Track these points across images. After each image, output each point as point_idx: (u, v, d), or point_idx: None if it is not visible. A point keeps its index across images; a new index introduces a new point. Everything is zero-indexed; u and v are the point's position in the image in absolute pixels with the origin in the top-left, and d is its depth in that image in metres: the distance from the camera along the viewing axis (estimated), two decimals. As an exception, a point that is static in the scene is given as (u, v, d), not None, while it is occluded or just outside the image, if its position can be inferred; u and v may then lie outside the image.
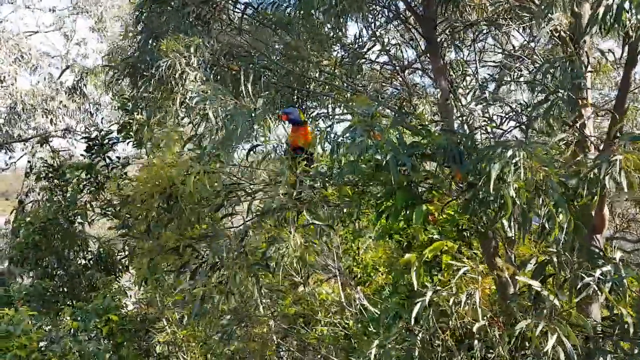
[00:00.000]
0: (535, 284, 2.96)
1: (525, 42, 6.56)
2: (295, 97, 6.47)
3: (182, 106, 4.13)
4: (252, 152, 3.94)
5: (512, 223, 3.30)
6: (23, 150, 16.36)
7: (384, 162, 3.10)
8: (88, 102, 16.36)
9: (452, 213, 3.50)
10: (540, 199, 2.91)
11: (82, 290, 8.52)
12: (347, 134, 3.11)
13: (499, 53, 7.29)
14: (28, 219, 7.71)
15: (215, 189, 3.27)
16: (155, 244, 3.32)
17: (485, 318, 2.78)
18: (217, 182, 3.25)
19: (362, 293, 7.37)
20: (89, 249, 8.60)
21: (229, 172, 3.47)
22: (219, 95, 3.98)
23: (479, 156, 3.45)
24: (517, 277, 3.10)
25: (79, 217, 7.86)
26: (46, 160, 8.20)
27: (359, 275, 7.82)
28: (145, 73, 4.11)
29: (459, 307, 2.76)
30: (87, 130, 13.77)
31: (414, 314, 2.77)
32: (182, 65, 3.92)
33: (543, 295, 2.89)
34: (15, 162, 17.01)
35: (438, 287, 2.84)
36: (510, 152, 2.94)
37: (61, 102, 15.86)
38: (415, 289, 2.84)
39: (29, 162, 15.04)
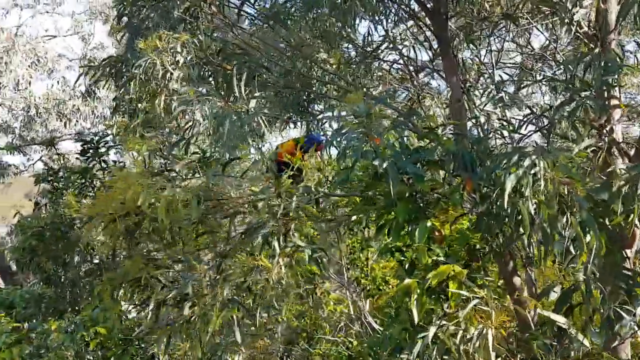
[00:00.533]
0: (560, 320, 2.50)
1: (547, 41, 6.10)
2: (298, 98, 6.10)
3: (167, 108, 3.77)
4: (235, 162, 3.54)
5: (532, 242, 2.87)
6: (39, 152, 16.39)
7: (383, 169, 2.68)
8: (102, 106, 16.28)
9: (463, 230, 3.06)
10: (565, 216, 2.47)
11: (81, 297, 8.27)
12: (340, 138, 2.70)
13: (518, 54, 6.83)
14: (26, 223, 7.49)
15: (188, 216, 2.88)
16: (119, 272, 2.96)
17: (499, 359, 2.35)
18: (193, 207, 2.84)
19: (370, 307, 6.94)
20: (95, 254, 8.35)
21: (208, 189, 3.07)
22: (205, 97, 3.61)
23: (493, 164, 3.02)
24: (538, 310, 2.65)
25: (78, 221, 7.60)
26: (46, 163, 7.98)
27: (368, 288, 7.39)
28: (127, 73, 3.77)
29: (468, 345, 2.33)
30: (96, 133, 13.63)
31: (415, 353, 2.36)
32: (166, 65, 3.56)
33: (570, 333, 2.44)
34: (33, 164, 17.06)
35: (444, 322, 2.42)
36: (528, 161, 2.50)
37: (74, 105, 15.81)
38: (416, 322, 2.43)
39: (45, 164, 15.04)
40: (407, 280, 2.47)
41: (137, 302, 2.91)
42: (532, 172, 2.52)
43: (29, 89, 15.25)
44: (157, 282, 2.88)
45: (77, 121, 15.89)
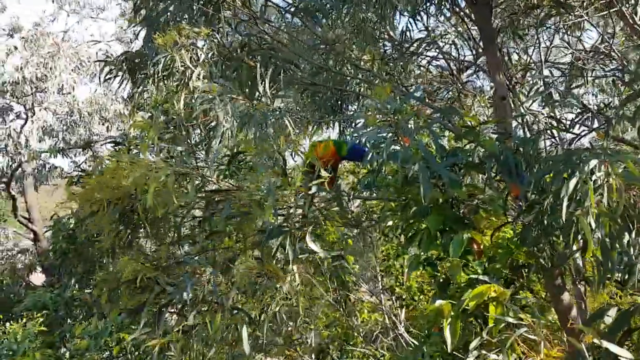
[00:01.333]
0: (624, 355, 2.11)
1: (600, 37, 5.61)
2: (331, 98, 5.81)
3: (188, 108, 3.56)
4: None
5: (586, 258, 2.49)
6: (84, 155, 16.76)
7: (413, 173, 2.37)
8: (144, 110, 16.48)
9: (506, 242, 2.70)
10: (633, 232, 2.08)
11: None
12: (365, 137, 2.40)
13: (568, 52, 6.32)
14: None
15: (186, 201, 2.60)
16: (113, 273, 2.73)
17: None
18: (190, 190, 2.56)
19: (404, 317, 6.59)
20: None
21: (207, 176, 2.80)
22: (228, 95, 3.37)
23: (544, 168, 2.65)
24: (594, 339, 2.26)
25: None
26: (78, 165, 7.99)
27: (402, 297, 7.03)
28: (144, 70, 3.58)
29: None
30: (127, 134, 13.81)
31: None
32: (185, 61, 3.35)
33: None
34: (79, 166, 17.49)
35: (483, 350, 2.08)
36: (593, 164, 2.12)
37: (116, 110, 16.06)
38: (450, 349, 2.09)
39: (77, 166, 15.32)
40: (439, 302, 2.14)
41: (130, 307, 2.66)
42: (593, 178, 2.15)
43: (73, 93, 15.58)
44: (155, 284, 2.64)
45: (118, 125, 16.14)
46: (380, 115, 2.47)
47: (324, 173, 2.61)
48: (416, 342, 5.48)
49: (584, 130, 3.63)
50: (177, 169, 2.60)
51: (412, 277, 6.84)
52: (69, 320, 7.05)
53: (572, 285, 3.65)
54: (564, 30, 5.81)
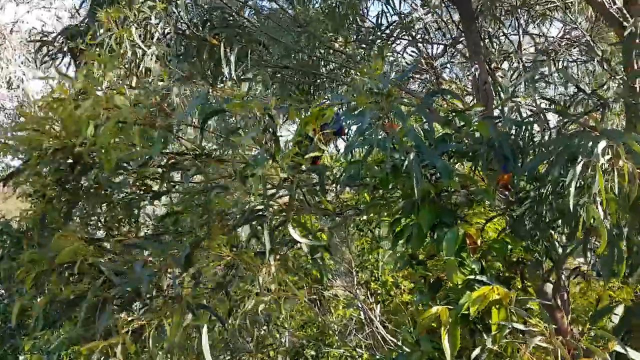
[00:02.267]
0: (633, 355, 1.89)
1: (564, 25, 5.54)
2: (302, 82, 5.50)
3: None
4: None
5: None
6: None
7: (404, 163, 2.09)
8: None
9: (502, 237, 2.45)
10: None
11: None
12: (352, 121, 2.11)
13: (542, 40, 6.21)
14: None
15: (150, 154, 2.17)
16: (45, 252, 2.28)
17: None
18: (156, 143, 2.13)
19: (379, 312, 6.38)
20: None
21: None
22: (185, 79, 3.01)
23: (540, 154, 2.41)
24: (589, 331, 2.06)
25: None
26: (26, 162, 7.34)
27: (378, 291, 6.82)
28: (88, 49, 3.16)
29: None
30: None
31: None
32: (136, 40, 2.95)
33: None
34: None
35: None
36: (601, 146, 1.89)
37: (70, 101, 15.24)
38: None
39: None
40: (435, 308, 1.87)
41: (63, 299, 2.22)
42: (600, 162, 1.92)
43: (22, 86, 14.66)
44: (97, 272, 2.21)
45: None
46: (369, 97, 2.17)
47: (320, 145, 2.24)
48: (392, 338, 5.27)
49: (578, 114, 3.42)
50: (144, 113, 2.18)
51: (387, 272, 6.64)
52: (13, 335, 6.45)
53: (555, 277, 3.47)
54: (535, 19, 5.69)
